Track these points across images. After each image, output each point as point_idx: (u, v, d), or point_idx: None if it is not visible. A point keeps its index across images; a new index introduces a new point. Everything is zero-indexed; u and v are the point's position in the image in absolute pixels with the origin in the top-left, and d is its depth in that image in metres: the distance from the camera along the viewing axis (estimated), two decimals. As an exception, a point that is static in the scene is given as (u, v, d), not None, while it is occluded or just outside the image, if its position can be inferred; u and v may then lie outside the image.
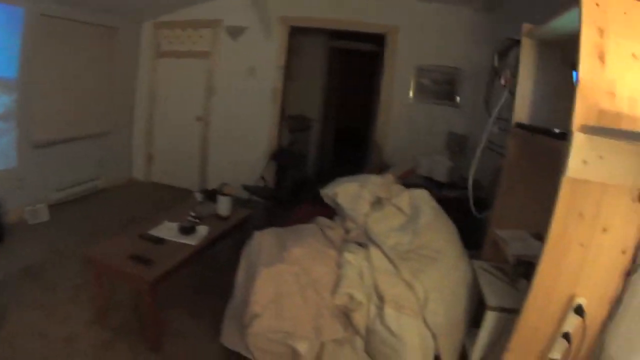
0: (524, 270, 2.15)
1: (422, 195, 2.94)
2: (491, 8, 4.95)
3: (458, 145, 4.89)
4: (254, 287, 2.44)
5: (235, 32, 5.84)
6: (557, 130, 1.77)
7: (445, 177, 4.34)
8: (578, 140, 1.56)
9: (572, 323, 1.79)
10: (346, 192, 3.03)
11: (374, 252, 2.63)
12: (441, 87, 5.46)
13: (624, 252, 1.74)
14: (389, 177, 3.18)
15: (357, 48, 7.62)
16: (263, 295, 2.41)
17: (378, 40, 5.86)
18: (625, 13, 1.64)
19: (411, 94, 5.55)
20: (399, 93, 5.59)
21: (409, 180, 4.01)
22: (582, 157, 1.58)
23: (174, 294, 3.47)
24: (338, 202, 3.01)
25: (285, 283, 2.45)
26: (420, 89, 5.53)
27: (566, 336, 1.80)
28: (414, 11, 5.39)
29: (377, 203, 2.99)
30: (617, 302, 1.78)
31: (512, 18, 2.40)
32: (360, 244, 2.76)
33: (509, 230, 2.47)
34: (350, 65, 8.83)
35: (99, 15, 5.27)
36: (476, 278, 2.51)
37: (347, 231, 2.94)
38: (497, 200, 2.58)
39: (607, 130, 1.52)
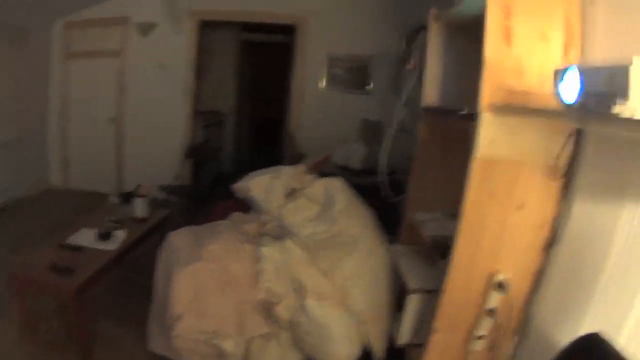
0: (441, 250, 2.15)
1: (335, 184, 2.92)
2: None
3: (372, 132, 4.88)
4: (173, 288, 2.34)
5: (145, 29, 5.59)
6: (464, 112, 1.79)
7: (361, 165, 4.34)
8: (485, 120, 1.57)
9: (495, 299, 1.81)
10: (259, 185, 2.98)
11: (290, 244, 2.58)
12: (354, 75, 5.46)
13: (542, 227, 1.79)
14: (301, 168, 3.14)
15: (270, 40, 7.53)
16: (183, 295, 2.32)
17: (291, 31, 5.76)
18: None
19: (324, 83, 5.53)
20: (311, 83, 5.56)
21: (325, 170, 3.95)
22: (490, 136, 1.59)
23: (101, 301, 3.29)
24: (251, 196, 2.96)
25: (204, 281, 2.37)
26: (333, 78, 5.52)
27: (491, 312, 1.83)
28: (324, 0, 5.36)
29: (291, 194, 2.95)
30: (540, 275, 1.82)
31: (424, 2, 2.41)
32: (277, 237, 2.71)
33: (424, 212, 2.48)
34: (265, 57, 8.70)
35: (6, 16, 4.87)
36: (396, 262, 2.52)
37: (263, 224, 2.88)
38: (410, 183, 2.59)
39: (514, 108, 1.53)
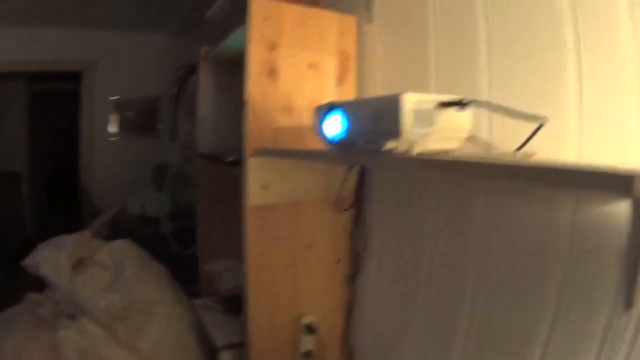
0: (238, 302, 1.95)
1: (122, 246, 2.55)
2: (187, 32, 4.73)
3: (164, 177, 4.55)
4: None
5: None
6: (231, 158, 1.58)
7: (156, 212, 3.97)
8: (253, 166, 1.37)
9: (308, 342, 1.64)
10: (46, 259, 2.46)
11: (86, 322, 2.19)
12: (144, 118, 5.07)
13: (338, 261, 1.67)
14: (86, 234, 2.71)
15: (60, 88, 6.74)
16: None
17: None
18: (301, 23, 1.49)
19: (115, 129, 5.03)
20: (101, 131, 5.01)
21: (121, 224, 3.59)
22: (261, 182, 1.39)
23: None
24: (42, 273, 2.46)
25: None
26: (124, 123, 5.05)
27: (308, 355, 1.66)
28: (110, 44, 4.87)
29: (81, 264, 2.52)
30: (350, 308, 1.72)
31: (206, 41, 2.19)
32: (74, 316, 2.28)
33: (219, 261, 2.24)
34: (60, 107, 7.82)
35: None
36: (201, 319, 2.26)
37: (57, 304, 2.41)
38: (199, 232, 2.33)
39: (282, 152, 1.34)
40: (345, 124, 0.88)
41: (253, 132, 1.39)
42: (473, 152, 0.87)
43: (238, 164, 1.44)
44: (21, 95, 6.40)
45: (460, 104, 0.80)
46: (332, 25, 1.56)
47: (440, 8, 1.32)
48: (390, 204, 1.56)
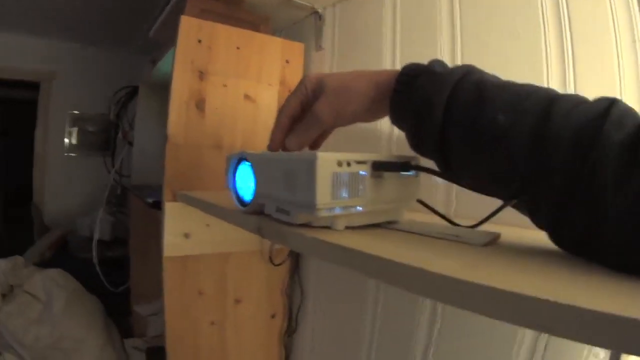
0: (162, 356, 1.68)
1: (54, 277, 2.27)
2: (148, 50, 4.47)
3: (114, 198, 4.24)
4: None
5: None
6: (150, 200, 1.33)
7: (108, 235, 3.65)
8: (171, 211, 1.12)
9: None
10: None
11: (10, 358, 1.94)
12: (101, 136, 4.69)
13: (274, 317, 1.45)
14: (18, 260, 2.41)
15: (22, 96, 6.34)
16: None
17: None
18: (238, 48, 1.26)
19: (70, 145, 4.65)
20: (56, 145, 4.60)
21: (68, 246, 3.32)
22: (181, 230, 1.14)
23: None
24: None
25: None
26: (80, 140, 4.67)
27: None
28: (72, 56, 4.52)
29: (10, 293, 2.23)
30: None
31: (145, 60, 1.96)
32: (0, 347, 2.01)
33: (149, 304, 1.96)
34: (16, 115, 7.34)
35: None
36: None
37: None
38: (131, 268, 2.06)
39: (196, 202, 1.06)
40: (254, 184, 0.64)
41: (174, 173, 1.15)
42: (416, 225, 0.65)
43: (159, 206, 1.18)
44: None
45: (402, 167, 0.58)
46: (275, 52, 1.33)
47: (401, 35, 1.13)
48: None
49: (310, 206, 0.51)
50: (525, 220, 0.48)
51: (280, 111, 0.67)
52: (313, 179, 0.50)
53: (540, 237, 0.47)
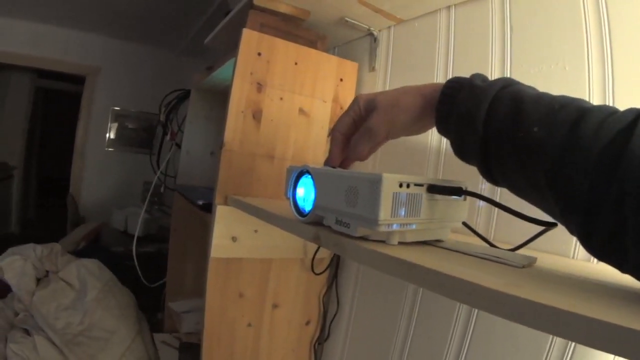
0: (197, 348, 1.76)
1: (90, 267, 2.36)
2: (194, 54, 4.62)
3: (154, 196, 4.37)
4: None
5: None
6: (200, 202, 1.42)
7: (141, 231, 3.78)
8: (222, 214, 1.20)
9: None
10: (12, 266, 2.30)
11: (40, 340, 2.02)
12: (140, 133, 4.88)
13: (307, 324, 1.51)
14: (55, 247, 2.52)
15: (66, 89, 6.58)
16: None
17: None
18: (296, 64, 1.35)
19: (109, 140, 4.83)
20: (96, 139, 4.79)
21: (101, 239, 3.44)
22: (230, 233, 1.22)
23: None
24: (6, 279, 2.28)
25: None
26: (119, 136, 4.85)
27: None
28: (115, 51, 4.70)
29: (45, 278, 2.34)
30: None
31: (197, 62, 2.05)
32: (31, 329, 2.11)
33: (184, 301, 2.05)
34: (59, 107, 7.60)
35: None
36: (160, 356, 2.07)
37: (14, 314, 2.24)
38: (169, 266, 2.15)
39: (248, 207, 1.14)
40: (314, 196, 0.72)
41: (226, 178, 1.23)
42: (460, 245, 0.71)
43: (209, 209, 1.27)
44: (25, 89, 6.12)
45: (454, 192, 0.65)
46: (330, 70, 1.41)
47: (454, 58, 1.19)
48: (368, 271, 1.42)
49: (372, 221, 0.59)
50: (559, 247, 0.53)
51: (335, 128, 0.75)
52: (377, 197, 0.57)
53: (573, 263, 0.53)
